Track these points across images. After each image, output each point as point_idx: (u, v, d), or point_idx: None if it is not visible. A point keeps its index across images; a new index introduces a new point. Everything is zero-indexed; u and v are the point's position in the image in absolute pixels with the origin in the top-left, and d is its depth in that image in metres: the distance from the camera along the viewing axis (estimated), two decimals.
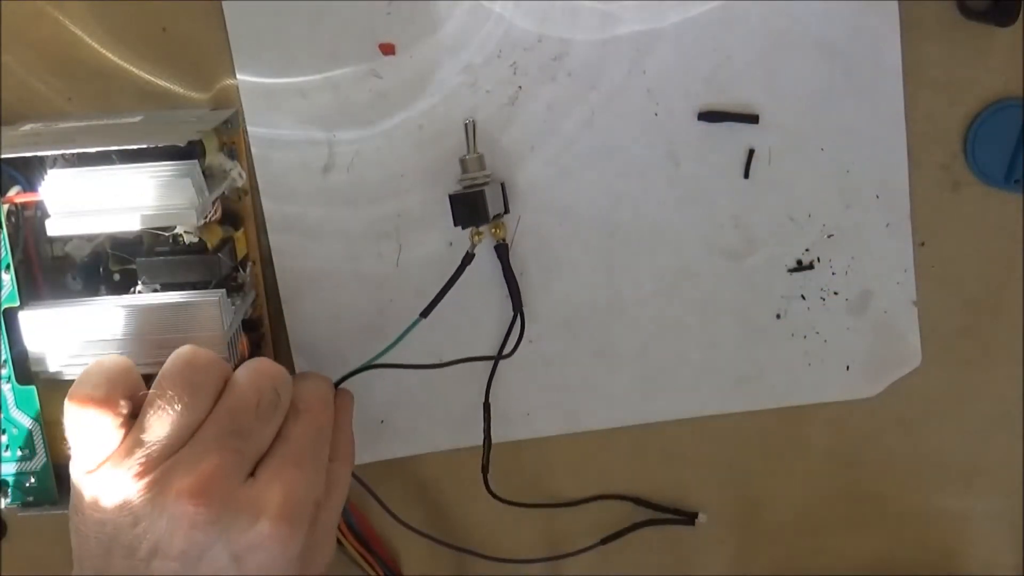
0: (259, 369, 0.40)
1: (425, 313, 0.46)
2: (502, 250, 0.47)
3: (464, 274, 0.46)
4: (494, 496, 0.48)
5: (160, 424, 0.38)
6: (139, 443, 0.38)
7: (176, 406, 0.38)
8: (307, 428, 0.41)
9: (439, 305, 0.47)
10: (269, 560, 0.38)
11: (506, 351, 0.48)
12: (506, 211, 0.47)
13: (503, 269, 0.47)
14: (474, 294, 0.48)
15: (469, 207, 0.45)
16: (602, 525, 0.51)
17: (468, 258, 0.46)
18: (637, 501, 0.51)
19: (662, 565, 0.52)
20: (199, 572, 0.37)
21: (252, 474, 0.39)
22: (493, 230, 0.47)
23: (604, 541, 0.50)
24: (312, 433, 0.41)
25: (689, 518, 0.51)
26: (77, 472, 0.39)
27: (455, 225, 0.45)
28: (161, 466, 0.38)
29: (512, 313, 0.48)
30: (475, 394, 0.48)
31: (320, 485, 0.41)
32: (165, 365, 0.39)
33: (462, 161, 0.46)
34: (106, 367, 0.39)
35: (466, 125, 0.46)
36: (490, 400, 0.48)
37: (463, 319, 0.48)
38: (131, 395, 0.39)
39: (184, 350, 0.40)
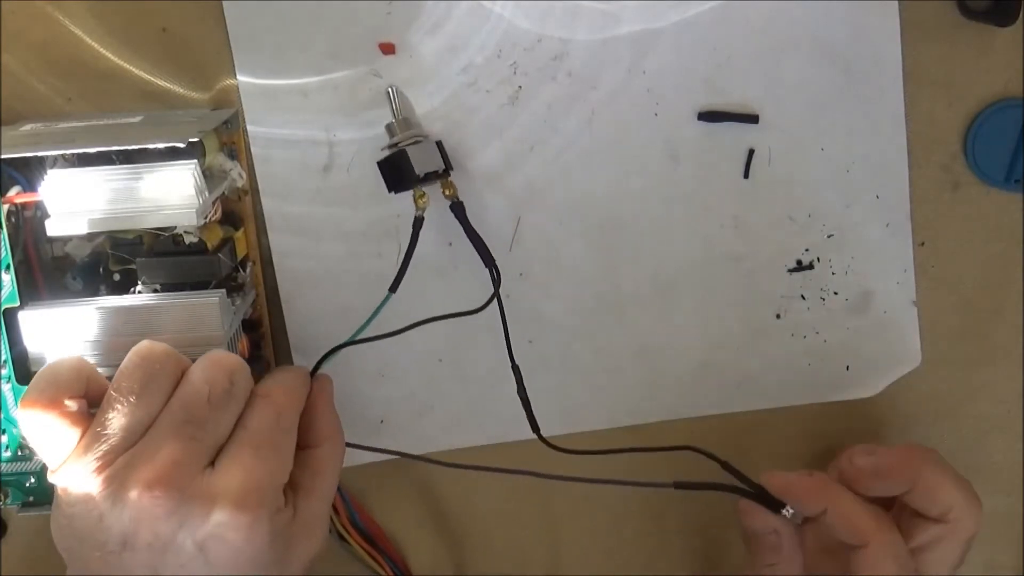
0: (212, 359, 0.40)
1: (393, 287, 0.45)
2: (458, 208, 0.46)
3: (450, 268, 0.46)
4: (551, 445, 0.47)
5: (115, 419, 0.38)
6: (95, 438, 0.38)
7: (130, 399, 0.38)
8: (265, 414, 0.40)
9: (435, 303, 0.47)
10: (232, 549, 0.38)
11: (482, 306, 0.46)
12: (448, 168, 0.46)
13: (463, 227, 0.46)
14: (465, 286, 0.48)
15: (396, 169, 0.44)
16: (603, 514, 0.51)
17: (418, 222, 0.45)
18: (722, 463, 0.46)
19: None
20: (166, 563, 0.38)
21: (212, 464, 0.39)
22: (443, 191, 0.46)
23: (678, 485, 0.45)
24: (270, 419, 0.40)
25: (774, 503, 0.45)
26: (48, 472, 0.39)
27: (389, 191, 0.45)
28: (118, 460, 0.38)
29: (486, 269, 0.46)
30: (475, 394, 0.48)
31: (284, 471, 0.40)
32: (122, 362, 0.39)
33: (387, 128, 0.45)
34: (54, 369, 0.40)
35: (388, 92, 0.45)
36: (491, 396, 0.48)
37: (457, 305, 0.48)
38: (83, 393, 0.39)
39: (140, 345, 0.40)
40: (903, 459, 0.44)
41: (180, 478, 0.37)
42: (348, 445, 0.46)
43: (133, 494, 0.37)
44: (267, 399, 0.41)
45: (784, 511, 0.44)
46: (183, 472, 0.38)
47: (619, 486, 0.47)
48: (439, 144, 0.46)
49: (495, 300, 0.46)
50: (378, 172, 0.46)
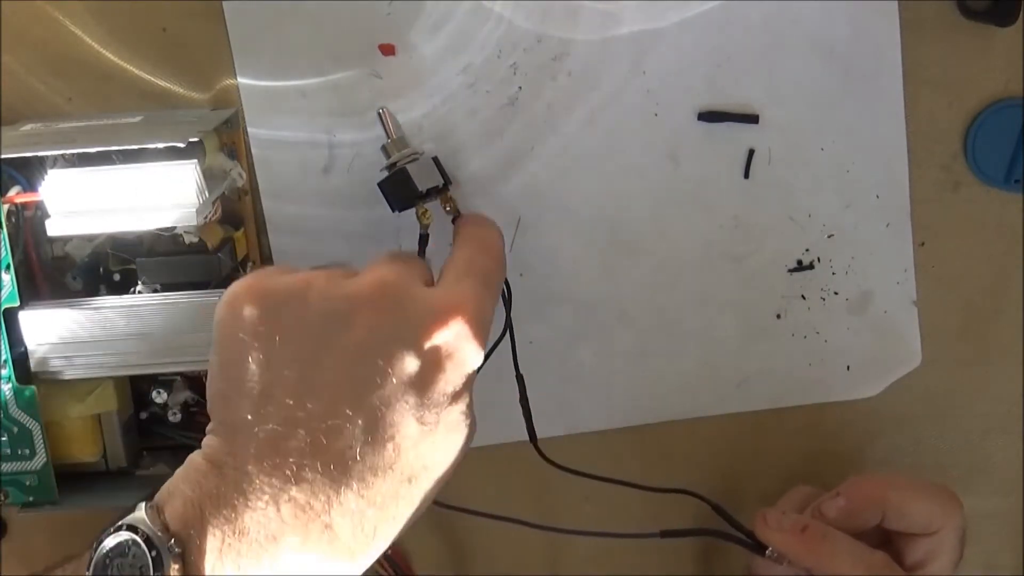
0: None
1: None
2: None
3: None
4: (548, 460, 0.47)
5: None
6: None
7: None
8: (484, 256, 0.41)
9: None
10: (457, 368, 0.37)
11: (502, 333, 0.46)
12: (447, 183, 0.46)
13: None
14: None
15: (398, 188, 0.45)
16: (603, 513, 0.51)
17: (423, 239, 0.46)
18: (713, 506, 0.48)
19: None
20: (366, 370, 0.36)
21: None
22: (444, 206, 0.46)
23: (664, 534, 0.46)
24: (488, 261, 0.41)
25: (759, 547, 0.46)
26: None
27: (392, 211, 0.45)
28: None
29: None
30: (475, 395, 0.48)
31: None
32: None
33: (383, 148, 0.45)
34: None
35: (379, 114, 0.45)
36: (491, 398, 0.48)
37: None
38: None
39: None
40: (864, 492, 0.45)
41: (400, 283, 0.37)
42: None
43: (352, 287, 0.36)
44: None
45: (768, 552, 0.44)
46: (402, 279, 0.37)
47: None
48: (435, 160, 0.46)
49: (508, 305, 0.46)
50: (379, 173, 0.46)
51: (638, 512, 0.50)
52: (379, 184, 0.45)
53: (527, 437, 0.47)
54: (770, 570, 0.45)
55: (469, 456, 0.50)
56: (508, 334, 0.46)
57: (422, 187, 0.45)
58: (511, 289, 0.47)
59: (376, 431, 0.35)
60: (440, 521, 0.51)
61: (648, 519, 0.47)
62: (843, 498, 0.45)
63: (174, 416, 0.46)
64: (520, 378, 0.46)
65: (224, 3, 0.45)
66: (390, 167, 0.45)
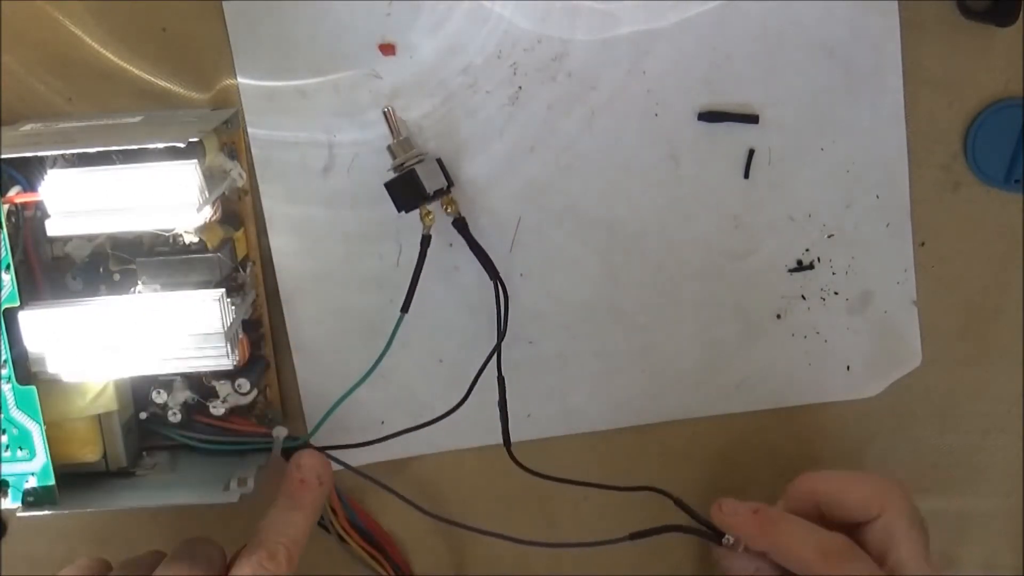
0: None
1: (405, 308, 0.46)
2: (460, 224, 0.47)
3: (451, 269, 0.46)
4: (521, 467, 0.47)
5: None
6: None
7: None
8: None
9: (435, 304, 0.47)
10: None
11: (500, 334, 0.47)
12: (450, 184, 0.46)
13: (467, 242, 0.47)
14: (465, 287, 0.48)
15: (405, 189, 0.45)
16: (601, 514, 0.51)
17: (426, 240, 0.46)
18: (675, 500, 0.48)
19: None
20: None
21: None
22: (445, 208, 0.46)
23: (633, 536, 0.46)
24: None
25: (717, 535, 0.46)
26: None
27: (398, 211, 0.45)
28: None
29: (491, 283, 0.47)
30: (475, 395, 0.48)
31: None
32: None
33: (389, 149, 0.46)
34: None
35: (385, 113, 0.46)
36: (491, 398, 0.48)
37: (460, 313, 0.48)
38: None
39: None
40: (797, 487, 0.45)
41: None
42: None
43: None
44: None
45: (724, 539, 0.44)
46: None
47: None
48: (439, 161, 0.46)
49: (503, 309, 0.47)
50: (379, 173, 0.46)
51: (636, 507, 0.50)
52: (386, 184, 0.45)
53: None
54: (732, 561, 0.45)
55: (468, 455, 0.50)
56: (497, 335, 0.46)
57: (429, 188, 0.45)
58: (507, 291, 0.47)
59: None
60: (439, 522, 0.51)
61: (649, 516, 0.47)
62: (782, 498, 0.46)
63: (174, 416, 0.46)
64: (501, 380, 0.47)
65: (224, 3, 0.45)
66: (397, 168, 0.45)
